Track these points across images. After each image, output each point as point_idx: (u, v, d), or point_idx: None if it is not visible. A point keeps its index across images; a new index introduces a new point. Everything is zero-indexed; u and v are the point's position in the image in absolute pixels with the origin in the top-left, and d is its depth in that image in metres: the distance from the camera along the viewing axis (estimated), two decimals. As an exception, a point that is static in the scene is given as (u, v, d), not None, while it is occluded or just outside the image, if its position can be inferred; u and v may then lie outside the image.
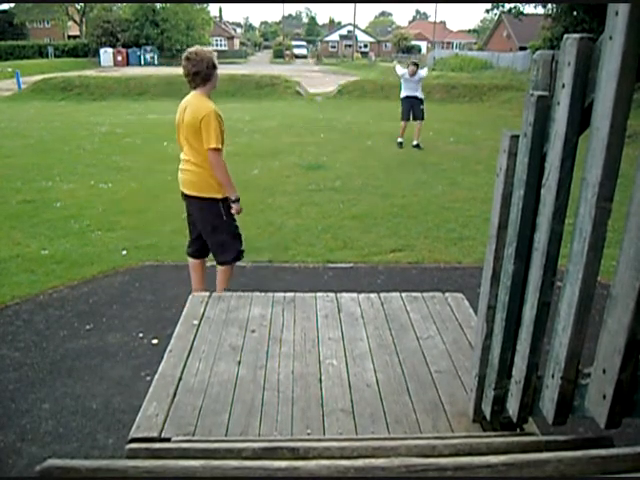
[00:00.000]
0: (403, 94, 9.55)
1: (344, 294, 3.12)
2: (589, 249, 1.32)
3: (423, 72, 9.64)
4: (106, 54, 37.03)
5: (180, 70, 3.24)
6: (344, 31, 65.52)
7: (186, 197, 3.32)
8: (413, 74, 9.31)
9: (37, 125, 11.49)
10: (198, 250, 3.45)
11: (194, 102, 3.11)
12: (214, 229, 3.30)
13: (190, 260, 3.49)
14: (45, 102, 16.42)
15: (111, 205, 5.88)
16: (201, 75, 3.05)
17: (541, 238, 1.51)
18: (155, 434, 1.92)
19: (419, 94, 9.54)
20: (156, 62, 38.77)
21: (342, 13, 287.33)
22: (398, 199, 6.20)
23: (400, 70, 9.84)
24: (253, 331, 2.67)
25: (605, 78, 1.22)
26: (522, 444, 1.53)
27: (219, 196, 3.22)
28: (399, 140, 9.79)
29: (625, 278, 1.21)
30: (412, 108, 9.47)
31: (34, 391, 2.71)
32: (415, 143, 9.57)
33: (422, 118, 9.56)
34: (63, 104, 16.17)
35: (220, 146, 3.08)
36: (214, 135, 3.03)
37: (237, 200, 3.25)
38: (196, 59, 3.01)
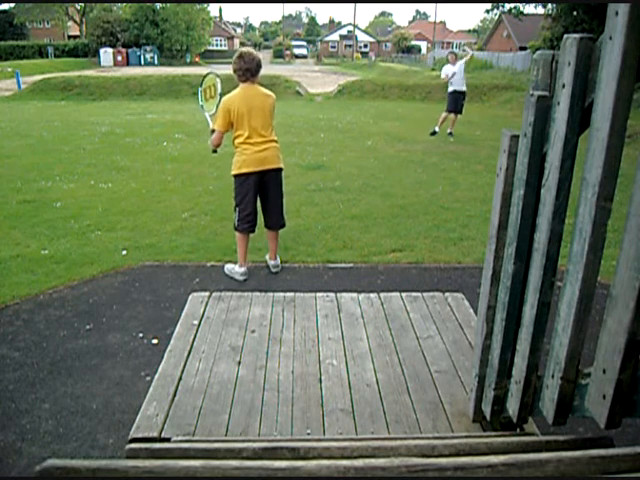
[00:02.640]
0: (451, 88, 10.44)
1: (344, 294, 3.12)
2: (589, 249, 1.32)
3: (460, 62, 10.46)
4: (106, 54, 37.01)
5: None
6: (344, 31, 65.49)
7: (266, 172, 3.79)
8: (454, 62, 10.27)
9: (37, 125, 11.48)
10: (255, 225, 3.95)
11: (259, 90, 3.76)
12: (282, 194, 4.01)
13: (243, 236, 3.94)
14: (45, 102, 16.41)
15: (111, 205, 5.87)
16: (251, 71, 3.68)
17: (541, 238, 1.51)
18: (155, 434, 1.92)
19: (464, 88, 10.45)
20: (156, 62, 38.76)
21: (342, 13, 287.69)
22: (398, 199, 6.20)
23: (444, 72, 10.70)
24: (253, 331, 2.68)
25: (605, 78, 1.22)
26: (522, 444, 1.53)
27: None
28: (448, 131, 10.71)
29: (625, 278, 1.21)
30: (457, 102, 10.41)
31: (34, 391, 2.71)
32: (449, 131, 10.72)
33: (461, 112, 10.61)
34: (63, 104, 16.16)
35: None
36: None
37: None
38: (249, 58, 3.66)
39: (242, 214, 3.84)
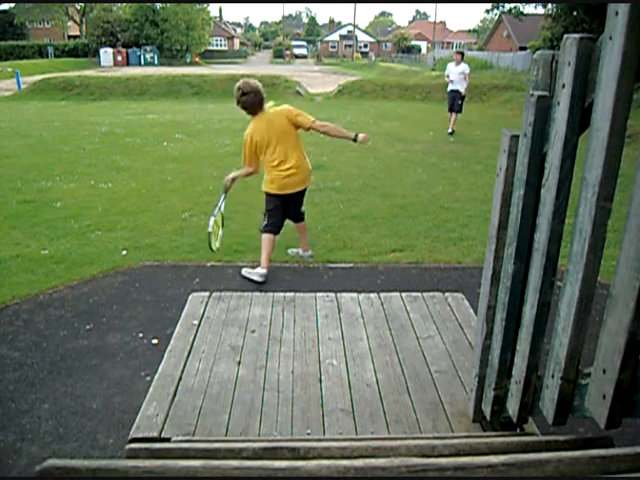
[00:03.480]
0: (449, 88, 10.60)
1: (344, 294, 3.12)
2: (589, 249, 1.32)
3: (465, 68, 10.39)
4: (106, 54, 37.01)
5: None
6: (344, 31, 65.46)
7: (295, 194, 3.99)
8: (458, 63, 10.33)
9: (37, 125, 11.48)
10: (281, 228, 4.14)
11: (272, 115, 3.82)
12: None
13: (272, 236, 4.04)
14: (45, 102, 16.41)
15: (111, 205, 5.88)
16: (259, 103, 3.77)
17: (541, 238, 1.51)
18: (155, 434, 1.92)
19: (461, 88, 10.44)
20: (156, 62, 38.76)
21: (342, 13, 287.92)
22: (398, 199, 6.20)
23: (448, 72, 10.72)
24: (253, 331, 2.68)
25: (605, 78, 1.22)
26: (522, 444, 1.53)
27: None
28: (449, 130, 10.77)
29: (625, 278, 1.21)
30: (453, 101, 10.52)
31: (34, 391, 2.71)
32: (450, 131, 10.73)
33: (459, 111, 10.63)
34: (63, 104, 16.16)
35: None
36: (304, 114, 3.90)
37: None
38: (253, 94, 3.72)
39: (272, 220, 4.02)
